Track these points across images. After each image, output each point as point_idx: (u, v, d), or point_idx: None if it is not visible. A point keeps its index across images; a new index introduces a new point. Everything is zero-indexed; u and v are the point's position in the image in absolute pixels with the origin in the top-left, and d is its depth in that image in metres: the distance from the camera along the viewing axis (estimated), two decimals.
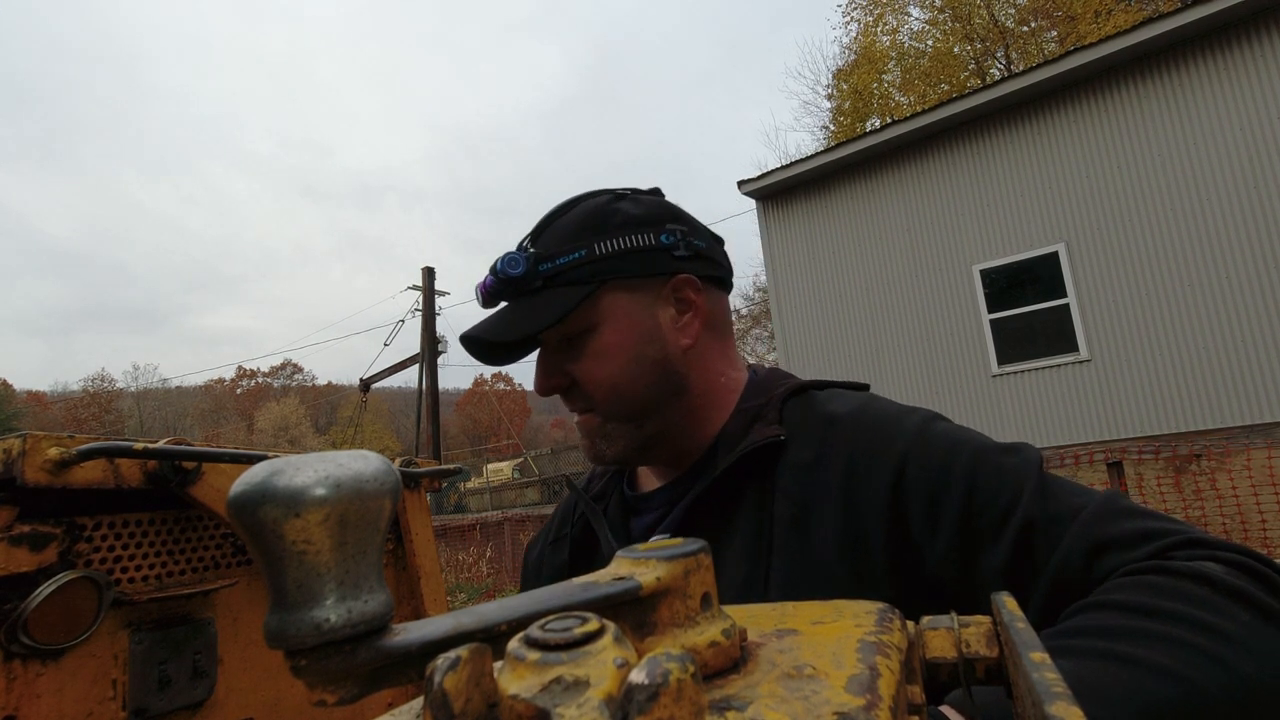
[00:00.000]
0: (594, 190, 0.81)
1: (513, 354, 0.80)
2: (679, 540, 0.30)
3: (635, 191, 0.81)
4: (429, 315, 15.74)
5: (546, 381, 0.78)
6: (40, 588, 0.83)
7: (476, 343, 0.76)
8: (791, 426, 0.74)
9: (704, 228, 0.83)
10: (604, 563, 0.83)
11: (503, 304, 0.78)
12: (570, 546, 0.88)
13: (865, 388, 0.83)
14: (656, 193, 0.84)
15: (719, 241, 0.85)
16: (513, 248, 0.78)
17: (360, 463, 0.24)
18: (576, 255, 0.74)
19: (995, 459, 0.63)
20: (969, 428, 0.70)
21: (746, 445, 0.72)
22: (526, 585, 0.97)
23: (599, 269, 0.74)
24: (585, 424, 0.79)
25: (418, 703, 0.25)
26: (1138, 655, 0.46)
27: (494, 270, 0.75)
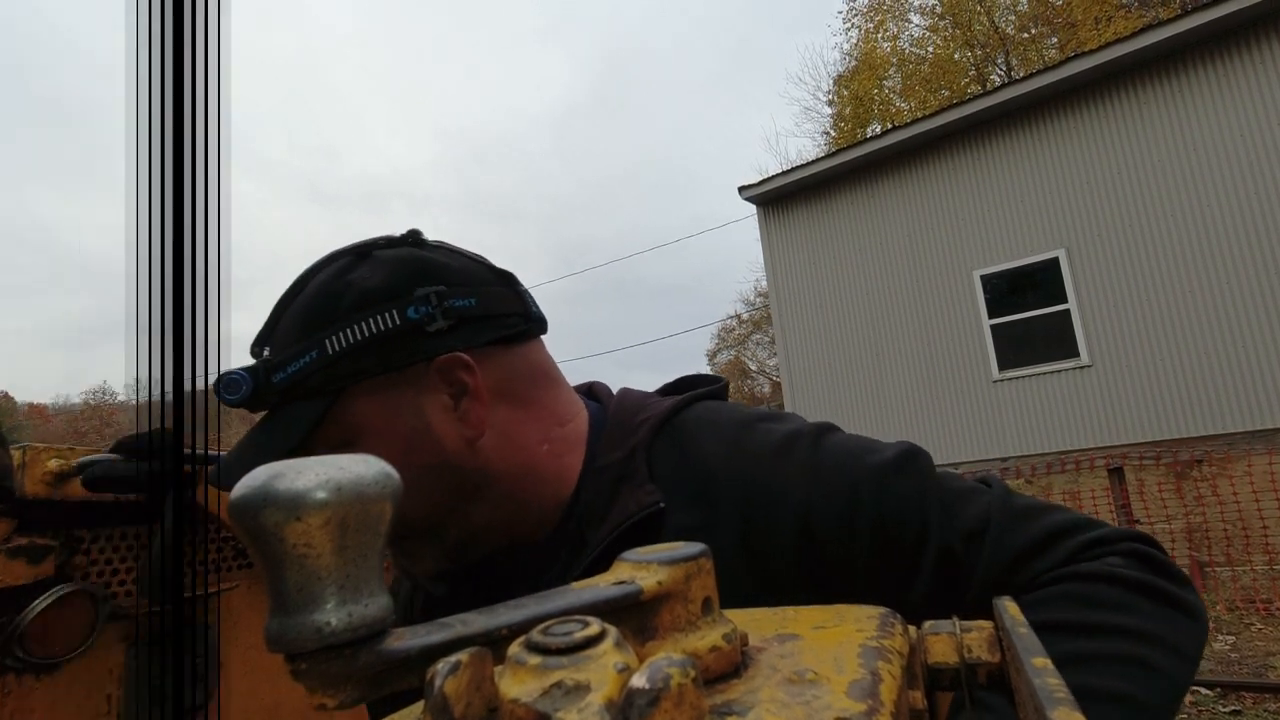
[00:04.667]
0: (334, 253, 0.66)
1: None
2: (679, 544, 0.30)
3: (383, 245, 0.66)
4: None
5: None
6: (36, 601, 0.82)
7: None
8: (665, 484, 0.63)
9: (476, 271, 0.66)
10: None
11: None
12: (418, 608, 0.76)
13: (723, 391, 0.75)
14: (412, 239, 0.67)
15: (505, 280, 0.68)
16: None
17: (361, 466, 0.24)
18: (307, 360, 0.60)
19: (894, 484, 0.60)
20: (850, 439, 0.65)
21: (621, 520, 0.61)
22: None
23: (335, 374, 0.60)
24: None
25: (418, 707, 0.25)
26: (1087, 684, 0.51)
27: (215, 391, 0.60)
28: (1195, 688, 3.98)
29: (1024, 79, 8.29)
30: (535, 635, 0.22)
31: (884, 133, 9.32)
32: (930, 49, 21.26)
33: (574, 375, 0.77)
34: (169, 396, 0.56)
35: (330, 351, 0.60)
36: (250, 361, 0.63)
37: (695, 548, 0.28)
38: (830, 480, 0.60)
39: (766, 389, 30.68)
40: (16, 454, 0.84)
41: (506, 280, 0.68)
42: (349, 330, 0.60)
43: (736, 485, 0.62)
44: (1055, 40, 19.64)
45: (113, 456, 0.86)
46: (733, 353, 32.20)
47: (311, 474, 0.23)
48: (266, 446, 0.60)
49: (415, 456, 0.61)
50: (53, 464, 0.85)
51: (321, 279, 0.63)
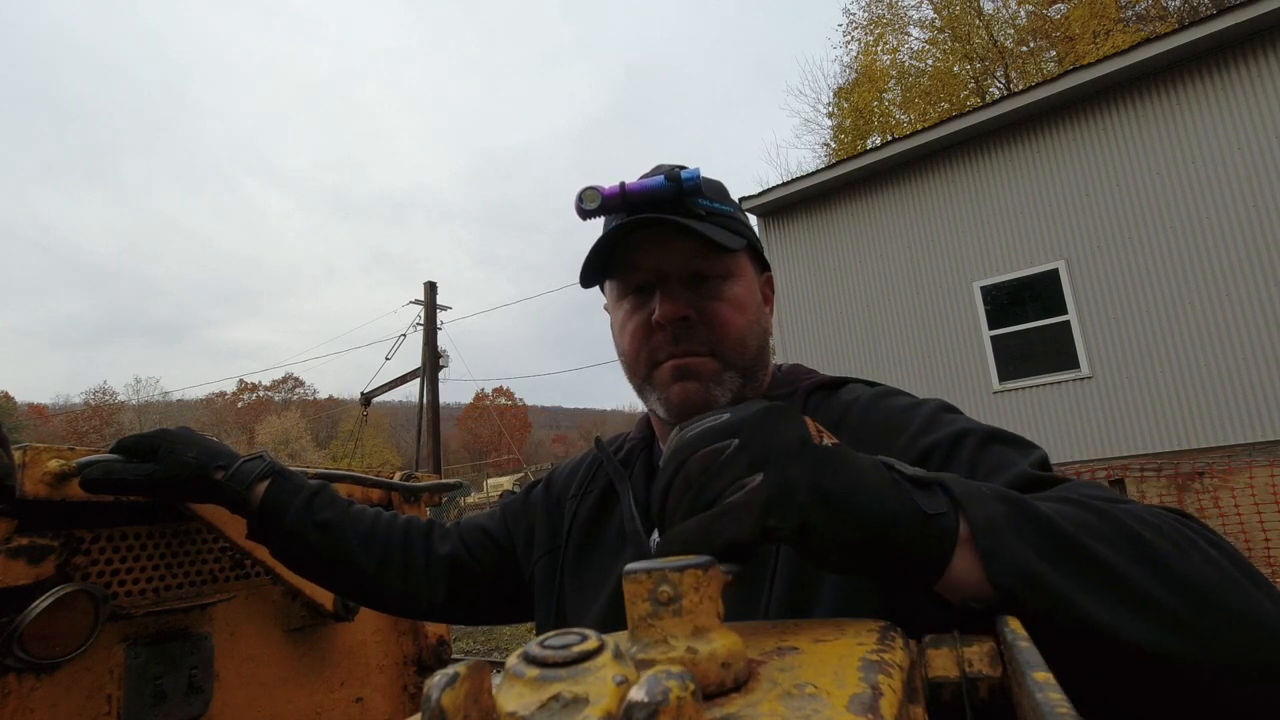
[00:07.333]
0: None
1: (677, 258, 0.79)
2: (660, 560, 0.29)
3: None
4: (430, 329, 15.77)
5: (678, 310, 0.77)
6: (37, 601, 0.82)
7: (672, 227, 0.75)
8: (812, 418, 0.77)
9: None
10: (619, 525, 0.86)
11: (628, 216, 0.78)
12: (593, 503, 0.91)
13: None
14: None
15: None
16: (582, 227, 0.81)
17: None
18: (730, 209, 0.83)
19: (999, 448, 0.65)
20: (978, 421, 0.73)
21: None
22: (509, 511, 1.00)
23: (744, 232, 0.83)
24: (701, 366, 0.79)
25: (415, 719, 0.25)
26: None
27: (675, 177, 0.76)
28: None
29: (1023, 92, 8.33)
30: (533, 648, 0.22)
31: (884, 145, 9.35)
32: (929, 62, 21.37)
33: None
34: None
35: (741, 220, 0.84)
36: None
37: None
38: (945, 426, 0.70)
39: None
40: (17, 454, 0.84)
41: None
42: (747, 221, 0.86)
43: (861, 417, 0.76)
44: (1054, 54, 19.75)
45: (112, 456, 0.86)
46: None
47: None
48: (717, 234, 0.76)
49: (758, 314, 0.84)
50: (53, 464, 0.85)
51: (707, 177, 0.81)
